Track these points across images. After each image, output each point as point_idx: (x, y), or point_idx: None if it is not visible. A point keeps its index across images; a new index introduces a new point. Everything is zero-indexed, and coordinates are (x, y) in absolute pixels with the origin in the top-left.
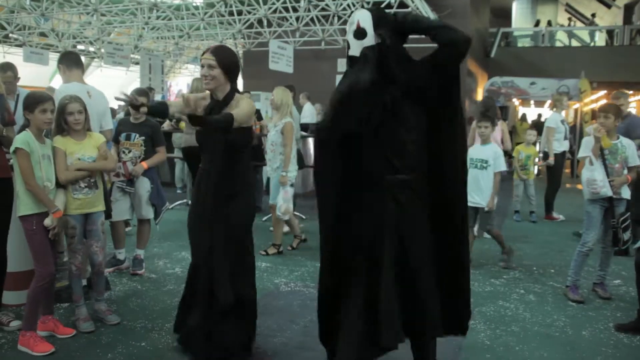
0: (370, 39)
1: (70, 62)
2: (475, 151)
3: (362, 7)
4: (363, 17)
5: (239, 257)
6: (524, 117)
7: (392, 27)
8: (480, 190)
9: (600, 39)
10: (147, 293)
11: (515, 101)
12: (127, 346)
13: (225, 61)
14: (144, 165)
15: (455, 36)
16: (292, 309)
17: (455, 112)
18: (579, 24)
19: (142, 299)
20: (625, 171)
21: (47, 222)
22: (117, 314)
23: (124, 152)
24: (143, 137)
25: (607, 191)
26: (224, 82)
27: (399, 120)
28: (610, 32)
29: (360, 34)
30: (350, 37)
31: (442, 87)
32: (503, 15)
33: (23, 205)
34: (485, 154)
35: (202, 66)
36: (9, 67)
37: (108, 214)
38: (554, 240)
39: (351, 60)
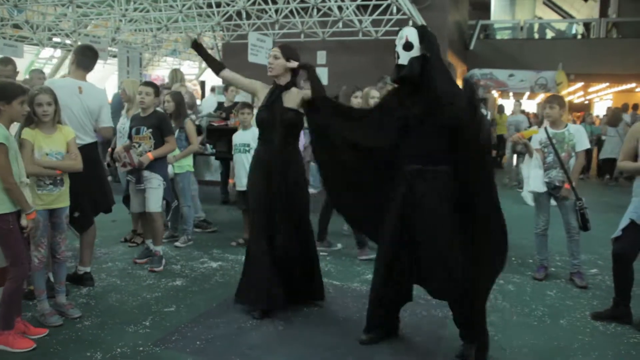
0: (416, 51)
1: (78, 60)
2: (237, 137)
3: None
4: (411, 34)
5: None
6: (501, 108)
7: (436, 45)
8: (246, 174)
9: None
10: (127, 288)
11: (494, 93)
12: (106, 342)
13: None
14: (150, 156)
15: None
16: None
17: (473, 134)
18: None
19: (122, 294)
20: (572, 160)
21: (24, 222)
22: (97, 310)
23: (134, 146)
24: (150, 130)
25: (534, 188)
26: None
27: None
28: (587, 25)
29: (408, 46)
30: (399, 49)
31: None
32: (482, 8)
33: (1, 203)
34: (246, 139)
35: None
36: (8, 61)
37: (108, 208)
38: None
39: (399, 67)
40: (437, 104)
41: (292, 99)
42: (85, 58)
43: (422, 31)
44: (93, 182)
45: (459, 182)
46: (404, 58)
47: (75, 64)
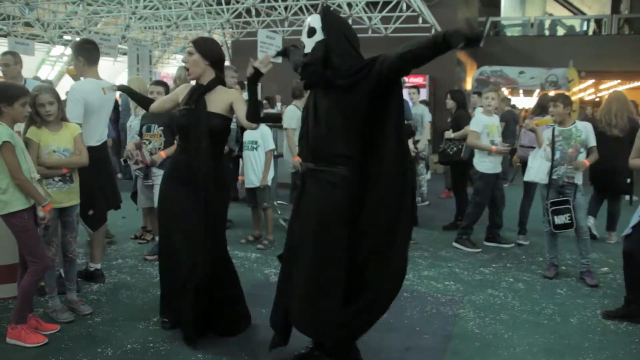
0: (319, 35)
1: (90, 57)
2: (246, 134)
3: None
4: (313, 19)
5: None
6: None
7: (337, 26)
8: (254, 171)
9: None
10: (137, 285)
11: (504, 90)
12: (117, 339)
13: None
14: (163, 154)
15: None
16: None
17: (388, 117)
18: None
19: (132, 290)
20: (582, 155)
21: (41, 214)
22: (107, 306)
23: (144, 143)
24: (162, 127)
25: (534, 178)
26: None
27: (316, 115)
28: (598, 21)
29: (310, 32)
30: (304, 37)
31: (376, 91)
32: (492, 5)
33: (14, 201)
34: (254, 136)
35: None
36: (9, 53)
37: (118, 204)
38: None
39: (305, 56)
40: (340, 88)
41: (217, 101)
42: (90, 54)
43: (324, 15)
44: (106, 179)
45: (361, 187)
46: (308, 46)
47: (86, 63)
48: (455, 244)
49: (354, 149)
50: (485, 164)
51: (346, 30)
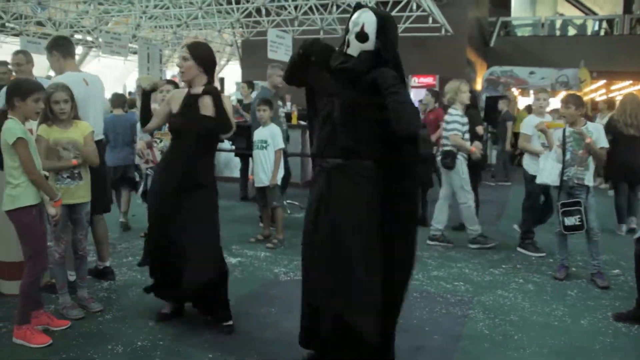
0: (370, 44)
1: (66, 51)
2: (256, 133)
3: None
4: (369, 22)
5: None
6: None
7: (392, 43)
8: (264, 170)
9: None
10: (147, 282)
11: (515, 91)
12: (127, 336)
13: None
14: None
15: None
16: (291, 298)
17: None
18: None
19: (142, 288)
20: (591, 158)
21: (52, 211)
22: (118, 304)
23: (155, 142)
24: None
25: (546, 180)
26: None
27: (345, 112)
28: (610, 22)
29: (362, 37)
30: (352, 37)
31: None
32: (502, 5)
33: (24, 196)
34: (264, 135)
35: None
36: (21, 52)
37: (107, 207)
38: (553, 231)
39: (345, 55)
40: (369, 92)
41: (207, 105)
42: (65, 48)
43: (382, 22)
44: (96, 180)
45: (385, 180)
46: (354, 49)
47: (62, 57)
48: (519, 249)
49: (380, 145)
50: (537, 167)
51: (397, 45)
